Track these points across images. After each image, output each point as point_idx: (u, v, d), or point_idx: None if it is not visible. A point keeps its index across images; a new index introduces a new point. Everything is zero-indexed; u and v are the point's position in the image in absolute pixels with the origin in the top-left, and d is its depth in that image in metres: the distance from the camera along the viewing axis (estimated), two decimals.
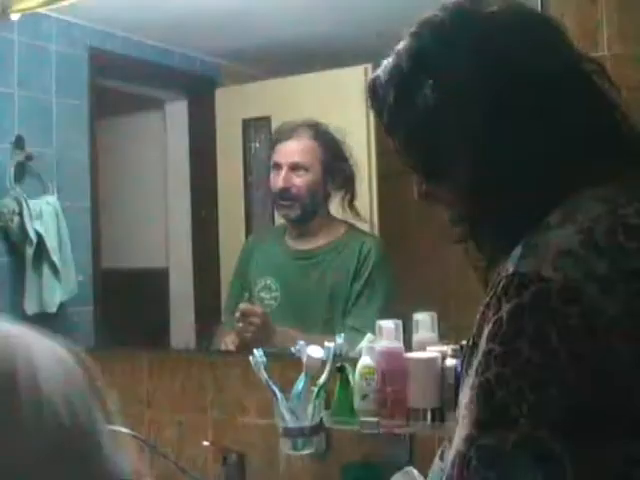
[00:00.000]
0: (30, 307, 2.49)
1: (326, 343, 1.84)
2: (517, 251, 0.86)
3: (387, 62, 1.10)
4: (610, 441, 0.76)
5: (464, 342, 1.68)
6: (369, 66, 2.26)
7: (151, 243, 2.69)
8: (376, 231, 2.24)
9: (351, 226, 2.22)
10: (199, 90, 2.65)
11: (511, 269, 0.84)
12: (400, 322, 1.76)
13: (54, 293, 2.51)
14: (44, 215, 2.50)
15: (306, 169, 2.22)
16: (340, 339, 1.85)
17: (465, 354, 0.89)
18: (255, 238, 2.46)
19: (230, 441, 2.11)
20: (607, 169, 0.90)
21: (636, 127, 0.96)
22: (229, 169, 2.58)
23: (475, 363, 0.83)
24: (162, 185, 2.67)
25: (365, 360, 1.76)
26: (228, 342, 2.24)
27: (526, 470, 0.76)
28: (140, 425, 2.26)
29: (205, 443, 2.08)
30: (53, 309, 2.51)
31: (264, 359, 1.85)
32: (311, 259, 2.25)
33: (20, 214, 2.47)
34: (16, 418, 0.62)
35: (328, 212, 2.26)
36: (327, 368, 1.82)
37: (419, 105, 0.96)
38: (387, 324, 1.75)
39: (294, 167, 2.22)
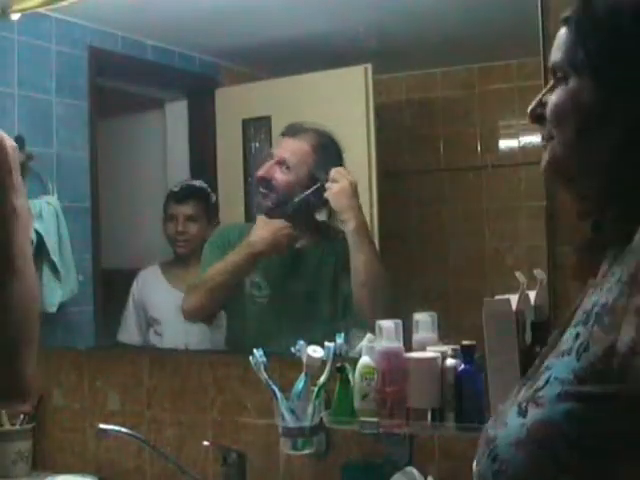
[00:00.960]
0: None
1: (326, 343, 1.84)
2: None
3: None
4: None
5: (464, 342, 1.69)
6: (369, 66, 2.26)
7: (151, 243, 2.68)
8: (376, 231, 2.24)
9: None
10: (199, 90, 2.65)
11: None
12: (400, 322, 1.76)
13: (54, 293, 2.50)
14: (44, 215, 2.50)
15: (289, 168, 2.24)
16: (340, 339, 1.85)
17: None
18: (234, 230, 2.42)
19: (230, 441, 2.11)
20: None
21: None
22: (229, 169, 2.58)
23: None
24: (162, 185, 2.67)
25: (365, 360, 1.76)
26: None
27: None
28: (140, 425, 2.26)
29: (205, 443, 2.08)
30: (53, 309, 2.50)
31: (264, 359, 1.85)
32: (297, 256, 2.26)
33: None
34: None
35: (310, 215, 2.27)
36: (327, 368, 1.82)
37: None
38: (387, 324, 1.75)
39: (281, 162, 2.25)
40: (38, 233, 2.48)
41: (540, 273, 1.79)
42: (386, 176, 2.24)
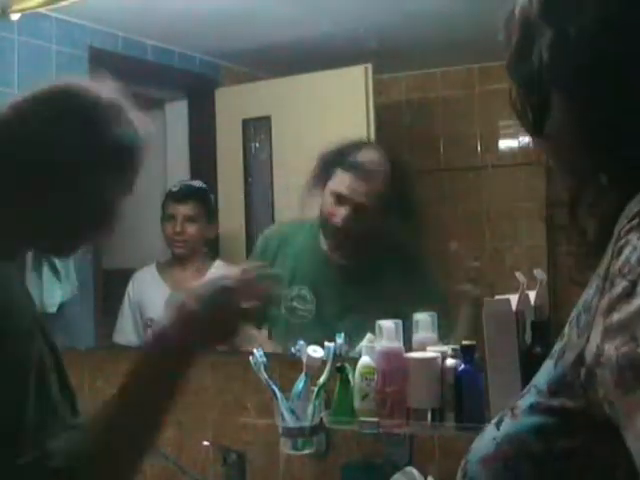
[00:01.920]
0: None
1: (326, 343, 1.84)
2: None
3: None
4: None
5: (464, 342, 1.69)
6: (369, 66, 2.27)
7: (151, 243, 2.69)
8: None
9: None
10: (199, 90, 2.65)
11: None
12: (400, 322, 1.76)
13: (54, 293, 2.50)
14: None
15: (366, 209, 2.06)
16: (340, 339, 1.85)
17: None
18: (278, 233, 2.30)
19: (230, 441, 2.10)
20: None
21: None
22: (229, 169, 2.58)
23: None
24: (162, 185, 2.67)
25: (365, 360, 1.76)
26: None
27: None
28: None
29: (205, 443, 2.08)
30: (53, 309, 2.50)
31: (264, 359, 1.85)
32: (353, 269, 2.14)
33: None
34: None
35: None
36: (327, 368, 1.82)
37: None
38: (387, 324, 1.75)
39: (359, 208, 2.05)
40: None
41: (540, 273, 1.79)
42: None
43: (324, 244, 2.15)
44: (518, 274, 1.76)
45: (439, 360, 1.70)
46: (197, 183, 2.54)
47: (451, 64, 2.19)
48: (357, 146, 2.09)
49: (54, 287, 2.51)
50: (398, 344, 1.74)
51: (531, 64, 0.80)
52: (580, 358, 0.73)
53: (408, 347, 1.76)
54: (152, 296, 2.54)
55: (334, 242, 2.11)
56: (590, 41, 0.75)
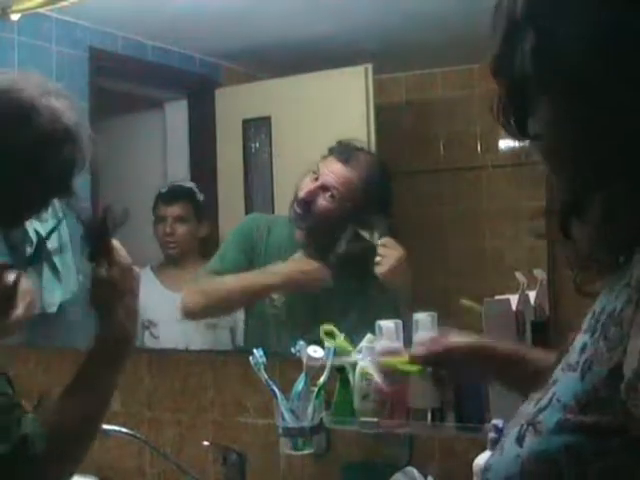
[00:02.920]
0: None
1: (326, 343, 1.84)
2: None
3: None
4: None
5: None
6: (369, 66, 2.26)
7: (151, 243, 2.68)
8: None
9: None
10: (199, 90, 2.65)
11: None
12: (400, 322, 1.76)
13: (54, 293, 2.50)
14: (44, 215, 2.50)
15: (333, 197, 2.15)
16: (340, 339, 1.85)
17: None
18: (263, 221, 2.37)
19: (230, 441, 2.10)
20: None
21: None
22: (229, 169, 2.58)
23: None
24: (162, 185, 2.67)
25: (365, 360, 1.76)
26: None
27: None
28: (140, 425, 2.26)
29: (205, 443, 2.08)
30: (53, 309, 2.50)
31: (264, 359, 1.85)
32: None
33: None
34: None
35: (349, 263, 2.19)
36: (327, 368, 1.82)
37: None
38: (387, 324, 1.75)
39: (326, 188, 2.15)
40: (38, 233, 2.48)
41: (540, 273, 1.79)
42: None
43: (298, 236, 2.23)
44: (518, 274, 1.76)
45: None
46: (185, 183, 2.55)
47: (451, 64, 2.19)
48: (347, 142, 2.19)
49: (54, 287, 2.50)
50: (398, 344, 1.74)
51: (514, 66, 0.79)
52: (615, 373, 0.68)
53: (408, 347, 1.76)
54: (149, 298, 2.53)
55: (298, 212, 2.18)
56: (578, 45, 0.73)
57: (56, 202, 1.36)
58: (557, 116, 0.77)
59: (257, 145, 2.55)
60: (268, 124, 2.49)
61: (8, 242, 1.31)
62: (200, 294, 2.30)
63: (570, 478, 0.70)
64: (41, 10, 2.43)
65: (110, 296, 1.35)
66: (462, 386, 1.66)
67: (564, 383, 0.75)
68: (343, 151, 2.16)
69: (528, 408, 0.79)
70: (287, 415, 1.81)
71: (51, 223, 2.49)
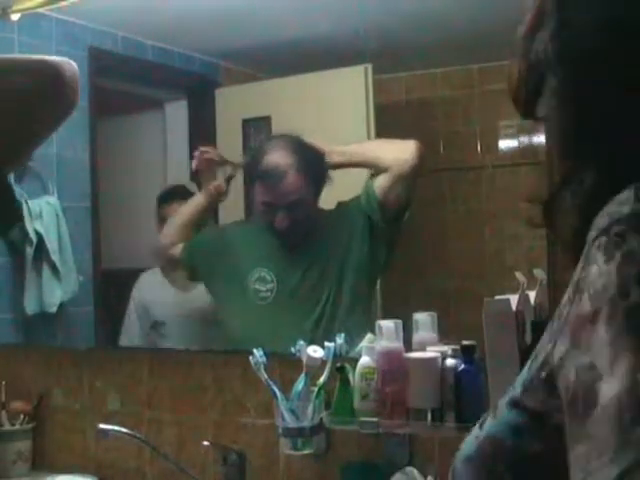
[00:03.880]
0: (30, 307, 2.49)
1: (326, 343, 1.84)
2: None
3: None
4: None
5: (464, 342, 1.69)
6: (369, 66, 2.26)
7: (151, 243, 2.68)
8: None
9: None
10: (199, 90, 2.65)
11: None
12: (400, 322, 1.76)
13: (54, 293, 2.51)
14: (44, 215, 2.50)
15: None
16: (340, 339, 1.85)
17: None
18: (214, 237, 2.46)
19: (230, 441, 2.10)
20: None
21: None
22: (229, 169, 2.57)
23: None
24: (162, 185, 2.67)
25: (365, 360, 1.76)
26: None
27: None
28: (140, 425, 2.26)
29: (205, 443, 2.08)
30: (53, 309, 2.51)
31: (264, 359, 1.85)
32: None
33: (20, 214, 2.48)
34: None
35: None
36: (327, 368, 1.82)
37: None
38: (387, 324, 1.75)
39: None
40: (38, 233, 2.48)
41: (540, 273, 1.79)
42: None
43: (275, 230, 2.25)
44: (518, 274, 1.76)
45: (439, 360, 1.70)
46: (182, 183, 2.56)
47: (451, 64, 2.19)
48: (263, 151, 2.25)
49: (54, 287, 2.51)
50: (398, 344, 1.74)
51: (536, 45, 0.82)
52: (548, 360, 0.73)
53: (408, 347, 1.76)
54: (158, 298, 2.54)
55: (285, 238, 2.24)
56: (592, 37, 0.76)
57: None
58: (563, 99, 0.79)
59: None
60: (268, 124, 2.49)
61: None
62: (168, 233, 2.42)
63: (512, 457, 0.77)
64: (41, 10, 2.43)
65: None
66: (462, 386, 1.66)
67: (522, 371, 0.81)
68: (267, 171, 2.20)
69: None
70: (287, 415, 1.81)
71: (52, 222, 2.50)
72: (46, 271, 2.50)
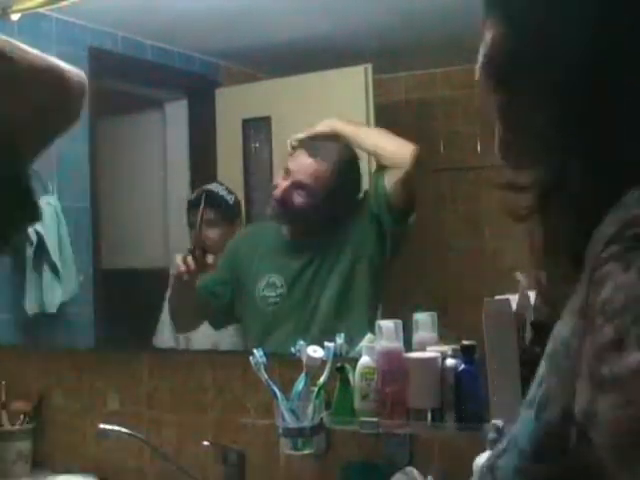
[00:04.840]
0: (30, 307, 2.49)
1: (326, 343, 1.84)
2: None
3: None
4: None
5: (464, 342, 1.68)
6: (369, 66, 2.26)
7: (151, 243, 2.69)
8: None
9: None
10: (199, 90, 2.65)
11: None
12: (400, 322, 1.76)
13: (54, 293, 2.51)
14: (44, 215, 2.50)
15: (306, 191, 2.17)
16: (340, 339, 1.85)
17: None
18: (245, 235, 2.45)
19: (230, 441, 2.10)
20: None
21: None
22: (229, 169, 2.58)
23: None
24: (162, 185, 2.67)
25: (365, 360, 1.76)
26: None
27: None
28: (140, 425, 2.26)
29: (205, 443, 2.08)
30: (53, 309, 2.51)
31: (264, 359, 1.85)
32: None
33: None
34: None
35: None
36: (327, 368, 1.82)
37: None
38: (387, 324, 1.75)
39: (298, 185, 2.17)
40: (38, 233, 2.48)
41: (540, 273, 1.79)
42: None
43: (284, 230, 2.25)
44: (518, 274, 1.76)
45: (439, 360, 1.70)
46: (213, 187, 2.50)
47: (451, 64, 2.19)
48: (323, 137, 2.20)
49: (54, 287, 2.51)
50: (398, 344, 1.74)
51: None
52: (569, 414, 0.61)
53: (408, 347, 1.76)
54: None
55: (276, 211, 2.21)
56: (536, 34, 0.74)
57: None
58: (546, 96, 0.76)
59: (257, 145, 2.55)
60: (268, 124, 2.49)
61: None
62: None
63: None
64: (41, 10, 2.43)
65: None
66: (462, 386, 1.66)
67: (522, 422, 0.70)
68: (311, 145, 2.18)
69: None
70: (287, 415, 1.81)
71: (52, 222, 2.50)
72: (46, 271, 2.50)
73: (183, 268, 2.21)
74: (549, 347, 0.71)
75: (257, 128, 2.55)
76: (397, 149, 2.08)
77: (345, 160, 2.17)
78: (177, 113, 2.69)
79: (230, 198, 2.49)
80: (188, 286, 2.25)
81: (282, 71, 2.41)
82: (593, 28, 0.70)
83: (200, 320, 2.35)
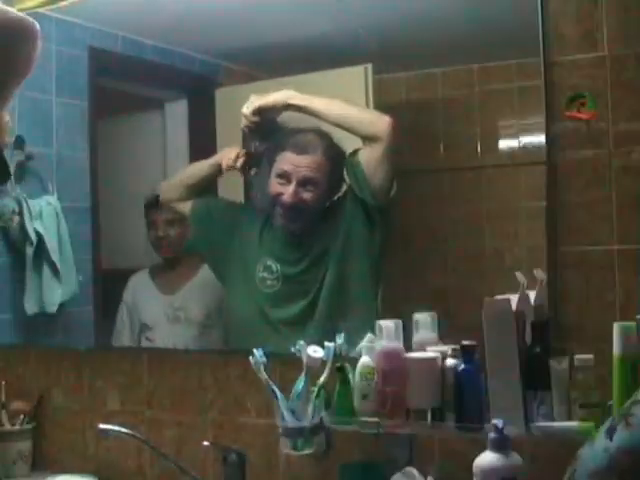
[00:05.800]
0: (30, 307, 2.49)
1: (326, 343, 1.84)
2: None
3: None
4: None
5: (464, 342, 1.69)
6: (369, 66, 2.26)
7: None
8: None
9: None
10: (199, 90, 2.65)
11: None
12: (400, 322, 1.77)
13: (54, 293, 2.51)
14: (44, 215, 2.50)
15: (313, 184, 2.20)
16: (340, 339, 1.85)
17: None
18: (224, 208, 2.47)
19: (230, 441, 2.11)
20: None
21: None
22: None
23: None
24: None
25: (365, 360, 1.77)
26: None
27: None
28: (140, 425, 2.26)
29: (205, 443, 2.08)
30: (53, 309, 2.51)
31: (264, 359, 1.85)
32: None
33: (20, 214, 2.48)
34: None
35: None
36: (327, 368, 1.82)
37: None
38: (387, 324, 1.75)
39: (305, 182, 2.20)
40: (38, 233, 2.48)
41: (540, 273, 1.79)
42: None
43: (279, 220, 2.25)
44: (518, 274, 1.76)
45: (439, 360, 1.70)
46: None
47: (451, 64, 2.19)
48: (296, 131, 2.26)
49: (54, 287, 2.51)
50: (398, 344, 1.74)
51: None
52: None
53: (408, 347, 1.76)
54: (145, 301, 2.53)
55: (287, 217, 2.23)
56: None
57: None
58: None
59: (257, 145, 2.55)
60: None
61: None
62: (172, 188, 2.47)
63: None
64: (41, 10, 2.43)
65: None
66: (462, 386, 1.66)
67: None
68: (294, 144, 2.22)
69: None
70: (287, 415, 1.81)
71: (52, 222, 2.50)
72: (46, 271, 2.50)
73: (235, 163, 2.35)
74: None
75: None
76: (376, 119, 2.12)
77: (330, 147, 2.20)
78: (177, 113, 2.69)
79: None
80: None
81: (282, 71, 2.41)
82: None
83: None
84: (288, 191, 2.19)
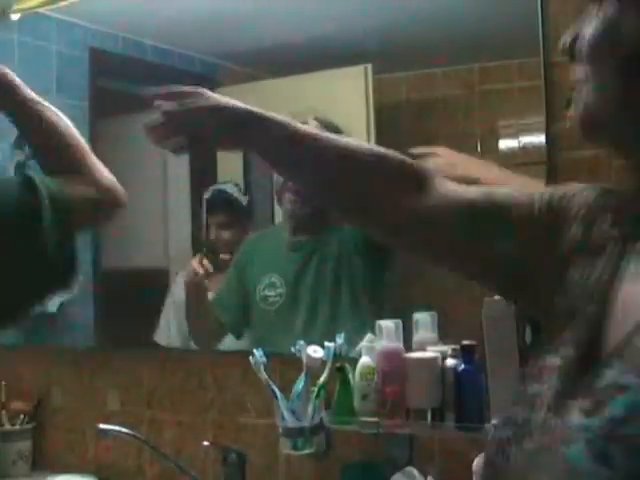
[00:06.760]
0: None
1: (326, 343, 1.84)
2: None
3: None
4: None
5: (464, 342, 1.69)
6: (369, 66, 2.26)
7: (151, 243, 2.68)
8: None
9: None
10: None
11: None
12: (400, 322, 1.76)
13: None
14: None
15: None
16: (340, 339, 1.85)
17: None
18: (252, 240, 2.45)
19: (230, 441, 2.11)
20: None
21: None
22: (229, 169, 2.57)
23: None
24: (162, 185, 2.67)
25: (365, 360, 1.76)
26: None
27: None
28: (140, 425, 2.26)
29: (205, 443, 2.08)
30: (53, 309, 2.50)
31: (264, 359, 1.85)
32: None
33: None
34: None
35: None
36: (327, 368, 1.82)
37: None
38: (387, 324, 1.75)
39: None
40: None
41: None
42: None
43: (286, 230, 2.27)
44: None
45: (439, 360, 1.70)
46: (227, 187, 2.49)
47: (451, 64, 2.19)
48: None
49: None
50: (398, 344, 1.74)
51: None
52: None
53: (408, 347, 1.76)
54: None
55: (291, 225, 2.25)
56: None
57: None
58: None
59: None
60: None
61: None
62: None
63: None
64: (41, 10, 2.43)
65: None
66: (462, 386, 1.66)
67: None
68: None
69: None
70: (287, 415, 1.81)
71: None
72: None
73: (201, 270, 2.23)
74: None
75: None
76: None
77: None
78: None
79: (242, 201, 2.49)
80: (203, 291, 2.28)
81: (282, 71, 2.41)
82: None
83: (220, 336, 2.34)
84: (289, 198, 2.21)
